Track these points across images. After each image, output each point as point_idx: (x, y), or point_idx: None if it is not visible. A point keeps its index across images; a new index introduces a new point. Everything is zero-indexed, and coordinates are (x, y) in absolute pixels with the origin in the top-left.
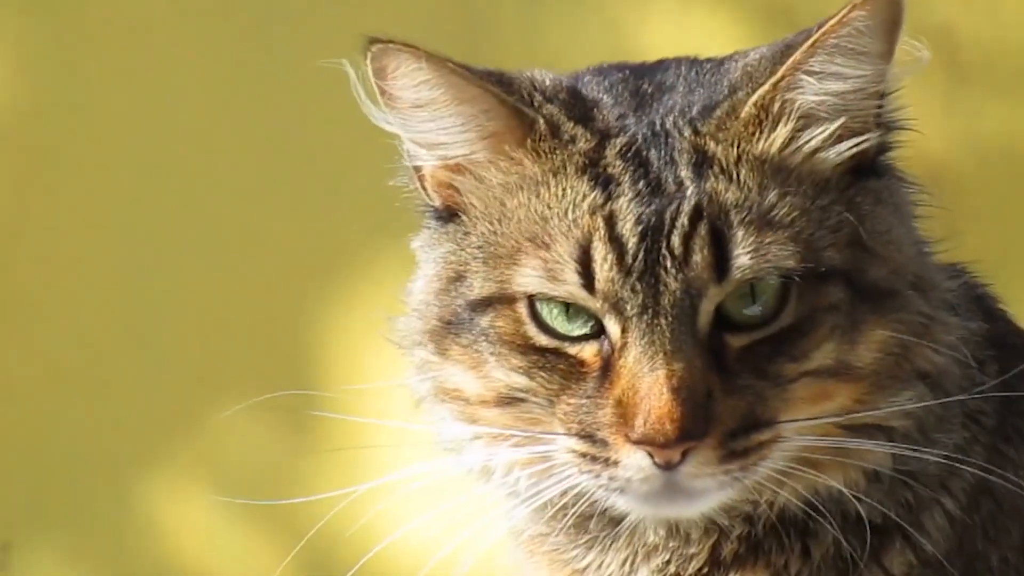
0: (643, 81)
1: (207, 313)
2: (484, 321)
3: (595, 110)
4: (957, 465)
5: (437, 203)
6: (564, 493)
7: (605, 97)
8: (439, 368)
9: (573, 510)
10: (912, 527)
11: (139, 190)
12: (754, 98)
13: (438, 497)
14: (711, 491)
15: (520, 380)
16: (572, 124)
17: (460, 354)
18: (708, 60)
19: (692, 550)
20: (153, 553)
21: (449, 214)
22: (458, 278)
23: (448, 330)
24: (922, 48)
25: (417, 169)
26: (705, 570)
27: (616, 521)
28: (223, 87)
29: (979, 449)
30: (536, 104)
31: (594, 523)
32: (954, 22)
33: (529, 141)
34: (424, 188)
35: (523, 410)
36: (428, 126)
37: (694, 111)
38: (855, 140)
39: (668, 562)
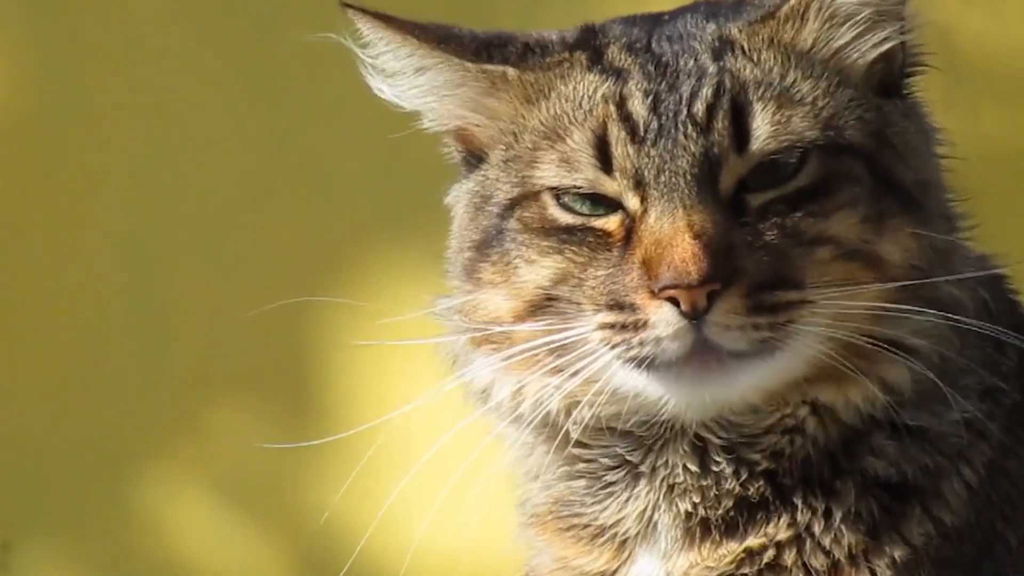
0: (661, 14)
1: (207, 312)
2: (512, 221)
3: (599, 33)
4: (974, 439)
5: (462, 149)
6: (593, 405)
7: (616, 25)
8: (473, 301)
9: (594, 456)
10: (931, 495)
11: (139, 190)
12: (792, 3)
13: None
14: (745, 357)
15: (550, 265)
16: (558, 53)
17: (491, 273)
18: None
19: (724, 487)
20: (152, 552)
21: (476, 159)
22: (485, 201)
23: (480, 253)
24: None
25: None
26: (732, 514)
27: (636, 470)
28: (223, 87)
29: (996, 425)
30: (510, 58)
31: (613, 474)
32: (954, 22)
33: (515, 83)
34: (447, 140)
35: (554, 310)
36: (412, 91)
37: (719, 18)
38: (880, 35)
39: (697, 504)
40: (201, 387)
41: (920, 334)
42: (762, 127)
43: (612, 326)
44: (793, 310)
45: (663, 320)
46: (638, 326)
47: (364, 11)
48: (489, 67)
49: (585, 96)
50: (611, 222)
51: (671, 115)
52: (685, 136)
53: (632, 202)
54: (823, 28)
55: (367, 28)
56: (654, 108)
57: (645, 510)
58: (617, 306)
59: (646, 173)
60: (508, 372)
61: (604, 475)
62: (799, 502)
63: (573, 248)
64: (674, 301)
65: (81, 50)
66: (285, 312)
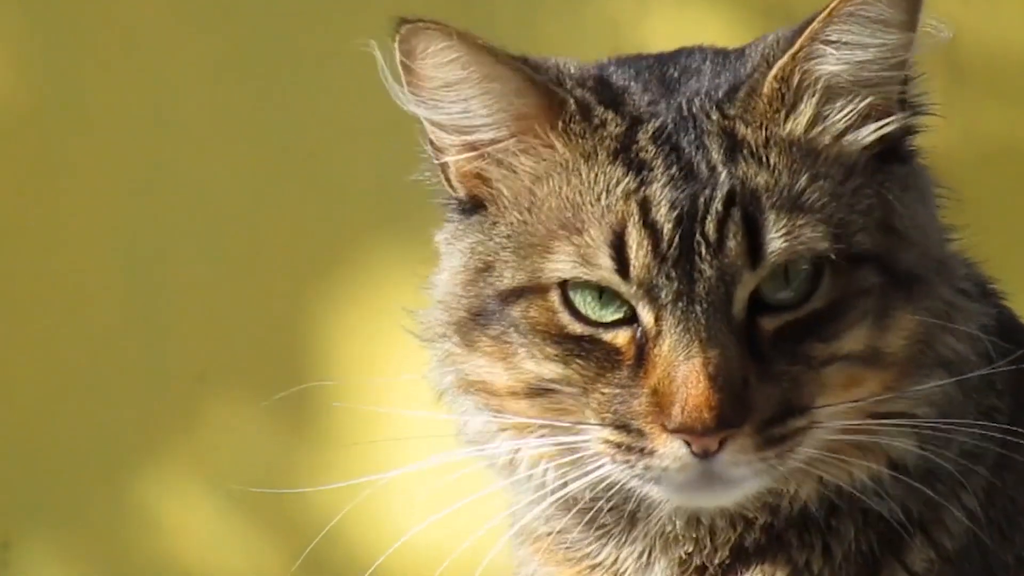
0: (668, 67)
1: (206, 311)
2: (515, 312)
3: (625, 95)
4: (972, 463)
5: (461, 194)
6: (592, 486)
7: (633, 84)
8: (465, 360)
9: (591, 503)
10: (932, 524)
11: (139, 189)
12: (774, 71)
13: (452, 495)
14: (747, 479)
15: (553, 369)
16: (603, 108)
17: (488, 346)
18: (733, 49)
19: (717, 540)
20: (152, 551)
21: (474, 206)
22: (486, 268)
23: (476, 322)
24: (942, 27)
25: (441, 160)
26: (728, 562)
27: (632, 516)
28: (223, 87)
29: (993, 446)
30: (567, 86)
31: (609, 516)
32: (954, 22)
33: (560, 123)
34: (448, 179)
35: (553, 401)
36: (457, 107)
37: (720, 93)
38: (881, 122)
39: (691, 553)
40: (200, 386)
41: (925, 403)
42: (775, 240)
43: (617, 445)
44: (800, 436)
45: (671, 454)
46: (644, 452)
47: (423, 20)
48: (554, 88)
49: (606, 188)
50: (620, 337)
51: (689, 232)
52: (701, 258)
53: (646, 316)
54: (817, 108)
55: (428, 40)
56: (677, 223)
57: (643, 553)
58: (623, 427)
59: (663, 294)
60: (501, 431)
61: (601, 519)
62: (796, 542)
63: (580, 362)
64: (685, 440)
65: (81, 50)
66: (284, 310)
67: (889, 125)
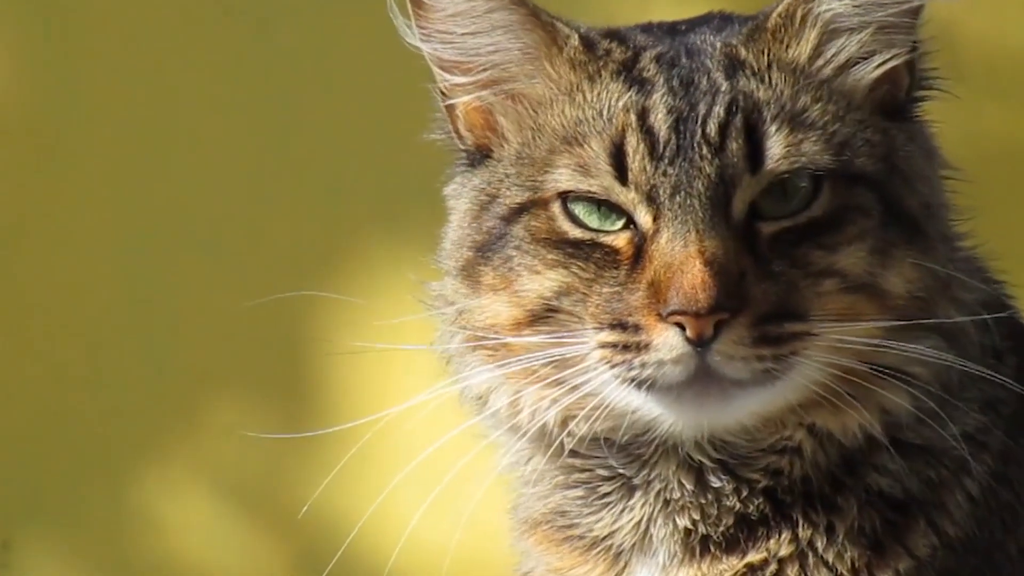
0: (677, 24)
1: (206, 311)
2: (518, 227)
3: (629, 36)
4: (976, 450)
5: (469, 143)
6: (591, 427)
7: (640, 33)
8: (471, 305)
9: (590, 463)
10: (935, 507)
11: (139, 188)
12: (779, 9)
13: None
14: (745, 386)
15: (554, 277)
16: (607, 41)
17: (492, 278)
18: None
19: (725, 504)
20: (151, 550)
21: (481, 155)
22: (491, 200)
23: (481, 256)
24: None
25: (450, 109)
26: (732, 531)
27: (630, 483)
28: (223, 85)
29: (997, 435)
30: (571, 25)
31: (607, 484)
32: (954, 22)
33: (565, 54)
34: (456, 128)
35: (554, 323)
36: (463, 40)
37: (725, 32)
38: (884, 56)
39: (697, 521)
40: (200, 385)
41: (920, 362)
42: (775, 147)
43: (614, 345)
44: (796, 342)
45: (667, 344)
46: (640, 347)
47: None
48: (558, 24)
49: (608, 104)
50: (620, 239)
51: (688, 135)
52: (700, 157)
53: (644, 218)
54: (820, 40)
55: None
56: (675, 127)
57: (640, 522)
58: (620, 326)
59: (660, 192)
60: (505, 381)
61: (599, 486)
62: (800, 518)
63: (579, 263)
64: (680, 327)
65: (81, 50)
66: (283, 309)
67: (890, 61)
